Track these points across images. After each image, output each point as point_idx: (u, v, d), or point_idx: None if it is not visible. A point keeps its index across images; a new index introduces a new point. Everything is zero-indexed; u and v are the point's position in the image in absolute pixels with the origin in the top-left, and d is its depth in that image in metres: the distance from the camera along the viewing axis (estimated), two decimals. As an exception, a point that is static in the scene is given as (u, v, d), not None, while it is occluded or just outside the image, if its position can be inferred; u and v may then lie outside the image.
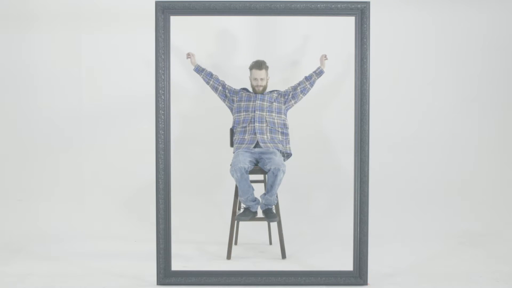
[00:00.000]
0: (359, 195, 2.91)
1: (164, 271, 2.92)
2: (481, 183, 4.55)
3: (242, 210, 3.59)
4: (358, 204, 2.91)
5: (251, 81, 3.81)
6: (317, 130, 4.52)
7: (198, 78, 4.01)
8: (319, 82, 3.96)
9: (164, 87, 2.90)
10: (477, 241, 4.00)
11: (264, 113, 3.72)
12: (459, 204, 4.48)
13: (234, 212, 3.55)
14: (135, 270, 3.21)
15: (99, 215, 4.37)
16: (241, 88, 3.87)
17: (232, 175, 3.43)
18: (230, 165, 3.57)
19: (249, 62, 3.89)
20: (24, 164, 4.47)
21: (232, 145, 3.84)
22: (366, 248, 2.91)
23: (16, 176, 4.47)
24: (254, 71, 3.77)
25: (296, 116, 4.15)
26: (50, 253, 3.64)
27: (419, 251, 3.72)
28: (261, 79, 3.76)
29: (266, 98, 3.77)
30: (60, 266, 3.31)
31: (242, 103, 3.77)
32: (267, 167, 3.44)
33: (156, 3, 2.88)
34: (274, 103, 3.77)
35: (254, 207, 3.52)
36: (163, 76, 2.90)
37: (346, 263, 3.06)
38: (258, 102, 3.75)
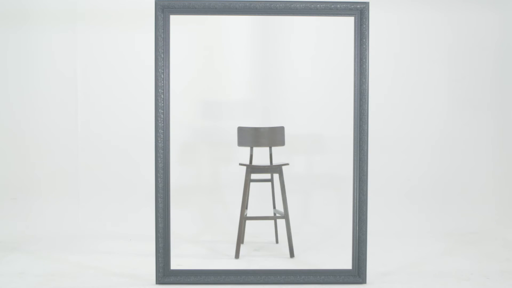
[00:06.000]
0: (358, 194, 2.92)
1: (163, 270, 2.92)
2: (477, 182, 4.59)
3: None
4: (357, 203, 2.92)
5: None
6: (317, 130, 4.53)
7: (198, 77, 3.99)
8: (318, 81, 3.96)
9: (163, 86, 2.91)
10: (473, 240, 4.03)
11: None
12: (457, 203, 4.52)
13: (242, 211, 3.53)
14: (134, 269, 3.20)
15: (97, 214, 4.36)
16: None
17: None
18: None
19: (246, 61, 3.86)
20: (18, 163, 4.44)
21: (239, 144, 3.84)
22: (365, 246, 2.92)
23: (10, 174, 4.44)
24: None
25: (296, 116, 4.16)
26: (46, 252, 3.62)
27: (418, 249, 3.74)
28: None
29: None
30: (60, 266, 3.29)
31: None
32: None
33: (156, 2, 2.88)
34: None
35: None
36: (162, 75, 2.90)
37: (345, 262, 3.06)
38: None
